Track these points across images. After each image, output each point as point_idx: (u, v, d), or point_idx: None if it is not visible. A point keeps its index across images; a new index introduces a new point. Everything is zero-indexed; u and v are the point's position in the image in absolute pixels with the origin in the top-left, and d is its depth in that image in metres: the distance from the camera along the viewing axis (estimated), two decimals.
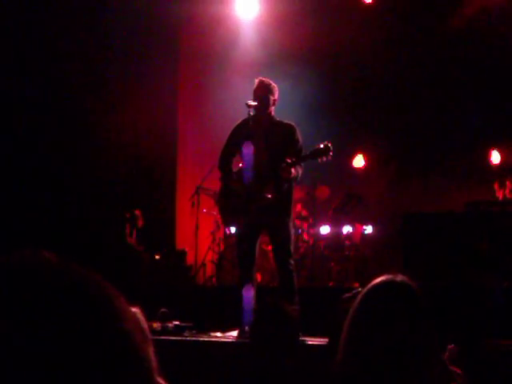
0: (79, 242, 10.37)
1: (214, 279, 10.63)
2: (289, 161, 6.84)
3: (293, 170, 6.89)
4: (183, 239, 11.85)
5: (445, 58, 12.15)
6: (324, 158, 6.93)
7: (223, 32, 11.95)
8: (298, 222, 10.43)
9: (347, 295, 3.79)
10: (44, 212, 10.77)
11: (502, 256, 7.44)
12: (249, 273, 7.16)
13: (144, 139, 11.68)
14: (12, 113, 10.73)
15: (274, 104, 7.25)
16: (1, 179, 10.56)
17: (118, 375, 0.83)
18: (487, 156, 11.94)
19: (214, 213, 10.18)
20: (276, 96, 7.25)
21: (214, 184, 8.41)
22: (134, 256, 10.61)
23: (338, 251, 10.71)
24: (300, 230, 10.62)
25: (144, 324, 0.85)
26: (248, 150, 6.98)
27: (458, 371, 2.66)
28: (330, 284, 10.24)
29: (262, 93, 7.16)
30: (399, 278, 2.46)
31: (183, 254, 11.22)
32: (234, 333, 7.05)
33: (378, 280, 2.46)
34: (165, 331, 7.31)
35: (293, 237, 7.34)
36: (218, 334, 7.26)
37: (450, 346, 2.78)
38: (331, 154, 6.92)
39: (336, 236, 10.86)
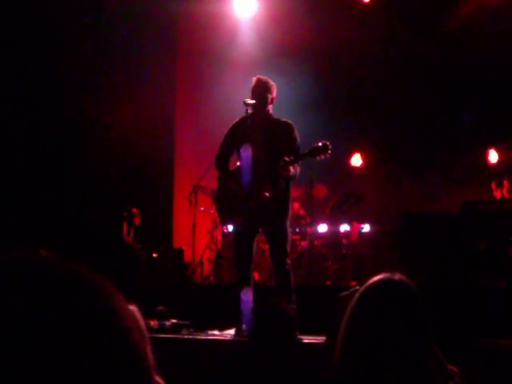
0: (76, 241, 10.37)
1: (211, 277, 10.64)
2: (287, 159, 6.83)
3: (291, 169, 6.89)
4: (180, 238, 11.85)
5: (442, 57, 12.16)
6: (322, 157, 6.93)
7: (221, 30, 11.95)
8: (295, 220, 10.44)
9: (344, 293, 3.79)
10: (41, 211, 10.77)
11: (500, 255, 7.44)
12: (246, 271, 7.15)
13: (141, 138, 11.68)
14: (11, 112, 10.72)
15: (272, 102, 7.24)
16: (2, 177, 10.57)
17: (116, 373, 0.83)
18: (485, 155, 11.95)
19: (212, 211, 10.19)
20: (274, 94, 7.24)
21: (212, 182, 8.41)
22: (131, 254, 10.61)
23: (335, 250, 10.71)
24: (297, 229, 10.62)
25: (141, 322, 0.85)
26: (246, 152, 6.97)
27: (456, 370, 2.66)
28: (328, 283, 10.24)
29: (260, 91, 7.15)
30: (397, 276, 2.46)
31: (180, 252, 11.23)
32: (232, 331, 7.05)
33: (376, 278, 2.46)
34: (162, 329, 7.31)
35: (290, 236, 7.34)
36: (216, 333, 7.26)
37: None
38: (330, 152, 6.92)
39: (333, 235, 10.86)
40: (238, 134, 7.21)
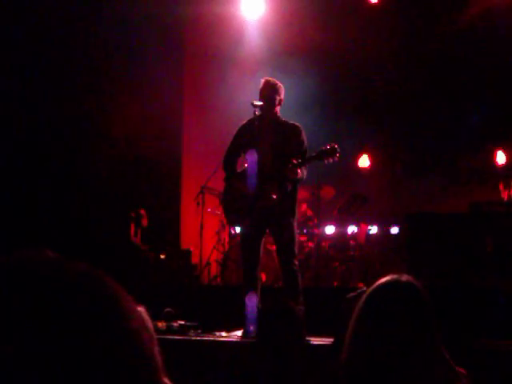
0: (84, 242, 10.38)
1: (218, 279, 10.63)
2: (295, 161, 6.83)
3: (298, 171, 6.89)
4: (188, 239, 11.86)
5: (450, 57, 12.14)
6: (330, 160, 6.92)
7: (228, 31, 11.96)
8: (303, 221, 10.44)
9: (352, 294, 3.79)
10: (49, 211, 10.78)
11: (507, 257, 7.42)
12: (253, 272, 7.16)
13: (149, 139, 11.68)
14: (17, 113, 10.73)
15: (279, 104, 7.24)
16: (5, 178, 10.57)
17: (125, 374, 0.84)
18: (492, 156, 11.92)
19: (219, 212, 10.18)
20: (282, 96, 7.24)
21: (219, 184, 8.40)
22: (138, 255, 10.62)
23: (342, 251, 10.70)
24: (305, 230, 10.62)
25: (149, 323, 0.85)
26: (251, 157, 6.97)
27: (463, 371, 2.65)
28: (335, 284, 10.23)
29: (268, 93, 7.15)
30: (404, 277, 2.46)
31: (188, 253, 11.23)
32: (239, 332, 7.05)
33: (383, 280, 2.46)
34: (170, 331, 7.32)
35: (297, 237, 7.34)
36: (223, 334, 7.26)
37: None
38: (338, 155, 6.91)
39: (341, 236, 10.85)
40: (245, 136, 7.21)
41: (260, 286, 7.24)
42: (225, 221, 9.37)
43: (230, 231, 10.79)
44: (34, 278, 0.84)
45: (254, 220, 7.04)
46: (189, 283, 10.43)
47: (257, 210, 6.99)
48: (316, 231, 10.68)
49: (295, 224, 7.17)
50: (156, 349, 0.90)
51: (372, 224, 10.98)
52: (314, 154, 7.01)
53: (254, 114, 7.10)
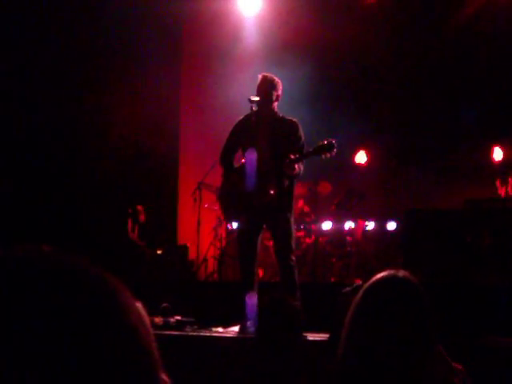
0: (81, 238, 10.39)
1: (215, 275, 10.64)
2: (292, 157, 6.83)
3: (296, 167, 6.89)
4: (185, 235, 11.86)
5: (447, 54, 12.14)
6: (328, 155, 6.91)
7: (225, 28, 11.95)
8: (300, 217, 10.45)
9: (347, 289, 3.80)
10: (46, 208, 10.78)
11: (504, 253, 7.43)
12: (250, 268, 7.16)
13: (146, 135, 11.68)
14: (16, 112, 10.72)
15: (277, 100, 7.24)
16: (4, 175, 10.57)
17: (123, 370, 0.84)
18: (489, 153, 11.93)
19: (216, 208, 10.18)
20: (279, 92, 7.24)
21: (216, 180, 8.41)
22: (135, 251, 10.63)
23: (339, 247, 10.72)
24: (302, 226, 10.62)
25: (147, 319, 0.85)
26: (251, 156, 6.97)
27: (460, 367, 2.66)
28: (332, 280, 10.25)
29: (266, 88, 7.15)
30: (401, 273, 2.46)
31: (185, 249, 11.23)
32: (236, 328, 7.05)
33: (380, 275, 2.46)
34: (166, 326, 7.33)
35: (294, 233, 7.34)
36: (220, 330, 7.26)
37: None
38: (335, 150, 6.91)
39: (338, 232, 10.86)
40: (242, 132, 7.21)
41: (257, 282, 7.24)
42: (222, 217, 9.38)
43: (227, 227, 10.80)
44: (32, 273, 0.84)
45: (252, 216, 7.04)
46: (186, 279, 10.43)
47: (254, 206, 6.99)
48: (313, 227, 10.69)
49: (292, 220, 7.18)
50: (154, 344, 0.90)
51: (369, 220, 10.99)
52: (311, 150, 7.01)
53: (251, 109, 7.10)
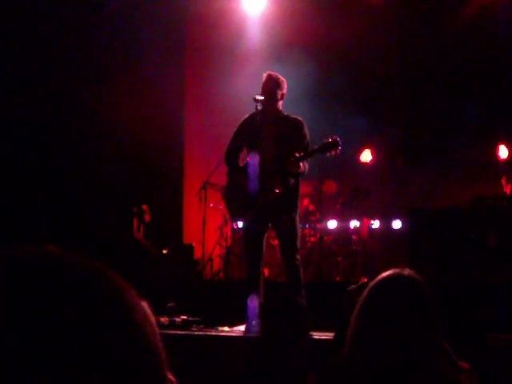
0: (86, 238, 10.39)
1: (221, 274, 10.64)
2: (297, 155, 6.83)
3: (301, 165, 6.89)
4: (190, 234, 11.86)
5: (452, 51, 12.12)
6: (333, 152, 6.92)
7: (230, 26, 11.95)
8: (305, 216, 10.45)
9: (352, 287, 3.80)
10: (52, 207, 10.79)
11: (509, 251, 7.42)
12: (256, 267, 7.16)
13: (151, 134, 11.67)
14: (20, 111, 10.73)
15: (282, 98, 7.24)
16: (7, 174, 10.58)
17: (129, 369, 0.84)
18: (495, 151, 11.90)
19: (221, 207, 10.18)
20: (284, 90, 7.24)
21: (221, 179, 8.41)
22: (141, 251, 10.63)
23: (345, 246, 10.71)
24: (307, 225, 10.62)
25: (152, 318, 0.85)
26: (254, 160, 6.97)
27: (467, 366, 2.66)
28: (337, 279, 10.24)
29: (270, 87, 7.15)
30: (406, 271, 2.46)
31: (190, 248, 11.24)
32: (242, 327, 7.06)
33: (386, 274, 2.46)
34: (172, 325, 7.34)
35: (299, 231, 7.34)
36: (226, 329, 7.27)
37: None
38: (340, 148, 6.91)
39: (343, 230, 10.86)
40: (247, 131, 7.22)
41: (263, 281, 7.25)
42: (227, 215, 9.38)
43: (232, 226, 10.79)
44: (36, 272, 0.84)
45: (257, 214, 7.05)
46: (191, 278, 10.43)
47: (259, 205, 6.99)
48: (318, 226, 10.69)
49: (298, 219, 7.18)
50: (160, 344, 0.90)
51: (374, 218, 10.98)
52: (316, 148, 7.01)
53: (256, 108, 7.11)
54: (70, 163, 11.18)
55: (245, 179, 7.09)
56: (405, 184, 12.00)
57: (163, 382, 0.89)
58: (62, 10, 10.92)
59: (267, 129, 7.16)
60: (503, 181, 10.26)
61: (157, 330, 0.91)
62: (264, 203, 6.98)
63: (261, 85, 7.23)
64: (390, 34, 12.18)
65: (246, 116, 7.35)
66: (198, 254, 11.00)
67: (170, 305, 7.62)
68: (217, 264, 10.97)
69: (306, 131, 7.17)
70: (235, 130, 7.44)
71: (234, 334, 6.98)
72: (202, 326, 7.46)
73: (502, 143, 11.86)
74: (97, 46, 11.41)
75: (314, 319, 5.77)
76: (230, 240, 10.94)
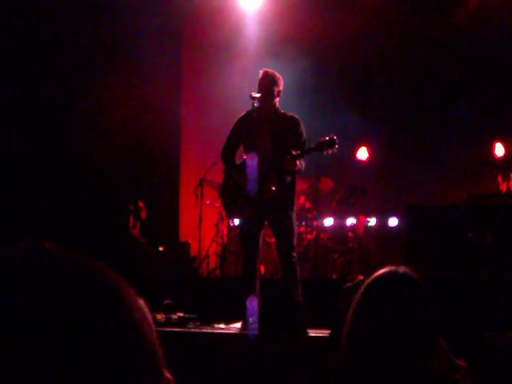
0: (82, 235, 10.38)
1: (217, 271, 10.64)
2: (294, 153, 6.84)
3: (297, 163, 6.89)
4: (187, 231, 11.87)
5: (448, 48, 12.13)
6: (329, 151, 6.92)
7: (227, 23, 11.94)
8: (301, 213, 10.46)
9: (348, 285, 3.80)
10: (47, 204, 10.77)
11: (505, 249, 7.43)
12: (252, 264, 7.17)
13: (147, 131, 11.67)
14: (14, 104, 10.72)
15: (278, 95, 7.24)
16: (3, 171, 10.57)
17: (126, 367, 0.83)
18: (491, 149, 11.91)
19: (217, 205, 10.18)
20: (281, 87, 7.24)
21: (218, 176, 8.41)
22: (137, 248, 10.62)
23: (341, 243, 10.71)
24: (303, 223, 10.62)
25: (149, 316, 0.85)
26: (252, 161, 6.97)
27: (463, 364, 2.66)
28: (334, 276, 10.24)
29: (267, 84, 7.15)
30: (402, 269, 2.46)
31: (187, 245, 11.24)
32: (238, 325, 7.06)
33: (381, 271, 2.46)
34: (168, 323, 7.34)
35: (296, 229, 7.35)
36: (222, 326, 7.27)
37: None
38: (336, 146, 6.91)
39: (339, 228, 10.86)
40: (244, 128, 7.22)
41: (259, 278, 7.25)
42: (224, 213, 9.38)
43: (228, 223, 10.79)
44: (33, 270, 0.84)
45: (253, 212, 7.05)
46: (187, 275, 10.44)
47: (255, 202, 6.99)
48: (315, 223, 10.69)
49: (294, 216, 7.18)
50: (157, 341, 0.90)
51: (371, 216, 10.97)
52: (312, 146, 7.01)
53: (253, 105, 7.11)
54: (66, 160, 11.17)
55: (241, 177, 7.09)
56: (401, 182, 12.01)
57: (160, 379, 0.89)
58: (59, 6, 10.90)
59: (264, 126, 7.16)
60: (499, 179, 10.27)
61: (154, 327, 0.91)
62: (260, 201, 6.98)
63: (257, 82, 7.24)
64: (386, 31, 12.18)
65: (243, 113, 7.36)
66: (194, 252, 11.00)
67: (166, 302, 7.62)
68: (213, 261, 10.97)
69: (303, 129, 7.17)
70: (232, 127, 7.44)
71: (230, 332, 6.99)
72: (198, 323, 7.46)
73: (497, 141, 11.86)
74: (94, 42, 11.39)
75: (310, 316, 5.78)
76: (226, 237, 10.94)
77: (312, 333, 6.31)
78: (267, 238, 9.49)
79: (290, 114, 7.28)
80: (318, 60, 11.85)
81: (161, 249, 10.94)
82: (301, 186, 9.65)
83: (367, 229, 10.97)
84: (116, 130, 11.53)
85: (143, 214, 10.97)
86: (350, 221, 10.85)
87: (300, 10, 11.68)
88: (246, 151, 7.26)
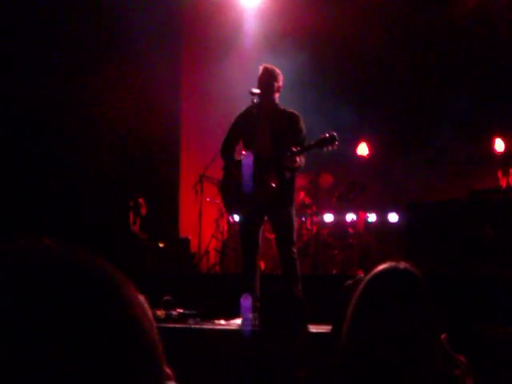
0: (83, 231, 10.38)
1: (217, 267, 10.65)
2: (294, 149, 6.83)
3: (297, 159, 6.89)
4: (187, 227, 11.86)
5: (447, 44, 12.12)
6: (329, 148, 6.92)
7: (227, 19, 11.93)
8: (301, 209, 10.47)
9: (349, 282, 3.80)
10: (46, 201, 10.77)
11: (506, 244, 7.43)
12: (252, 260, 7.17)
13: (147, 127, 11.66)
14: (13, 100, 10.71)
15: (278, 91, 7.23)
16: (2, 168, 10.57)
17: (126, 362, 0.83)
18: (491, 144, 11.91)
19: (217, 201, 10.18)
20: (281, 83, 7.24)
21: (217, 172, 8.41)
22: (137, 244, 10.62)
23: (341, 239, 10.72)
24: (303, 218, 10.62)
25: (149, 312, 0.85)
26: (248, 160, 6.97)
27: (463, 359, 2.66)
28: (334, 272, 10.25)
29: (267, 80, 7.15)
30: (402, 265, 2.46)
31: (187, 241, 11.24)
32: (238, 321, 7.06)
33: (381, 267, 2.46)
34: (169, 319, 7.34)
35: (295, 225, 7.34)
36: (222, 322, 7.27)
37: (442, 336, 2.78)
38: (337, 143, 6.91)
39: (339, 224, 10.86)
40: (243, 124, 7.21)
41: (259, 274, 7.25)
42: (223, 209, 9.38)
43: (228, 219, 10.79)
44: (33, 267, 0.84)
45: (253, 208, 7.05)
46: (188, 271, 10.44)
47: (255, 198, 6.98)
48: (315, 219, 10.69)
49: (293, 212, 7.18)
50: (157, 337, 0.90)
51: (371, 212, 10.98)
52: (313, 142, 7.01)
53: (253, 102, 7.10)
54: (65, 157, 11.16)
55: (241, 173, 7.09)
56: (401, 178, 12.00)
57: (160, 375, 0.89)
58: (56, 1, 10.90)
59: (263, 122, 7.16)
60: (499, 174, 10.27)
61: (154, 323, 0.91)
62: (260, 197, 6.97)
63: (257, 78, 7.23)
64: (386, 27, 12.16)
65: (243, 109, 7.35)
66: (194, 248, 11.00)
67: (166, 298, 7.62)
68: (213, 257, 10.97)
69: (302, 125, 7.17)
70: (231, 123, 7.44)
71: (231, 327, 6.99)
72: (198, 319, 7.46)
73: (497, 137, 11.86)
74: (93, 38, 11.38)
75: (310, 312, 5.78)
76: (226, 233, 10.94)
77: (312, 329, 6.32)
78: (267, 233, 9.49)
79: (290, 110, 7.27)
80: (318, 56, 11.84)
81: (161, 245, 10.95)
82: (301, 181, 9.65)
83: (367, 225, 10.98)
84: (115, 126, 11.53)
85: (143, 211, 10.97)
86: (350, 217, 10.86)
87: (299, 7, 11.67)
88: (246, 147, 7.25)
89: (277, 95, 7.24)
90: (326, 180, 11.24)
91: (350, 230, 10.81)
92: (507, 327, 6.19)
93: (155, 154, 11.92)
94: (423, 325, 2.35)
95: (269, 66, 7.28)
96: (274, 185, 6.93)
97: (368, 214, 10.94)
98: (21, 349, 0.79)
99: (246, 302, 6.80)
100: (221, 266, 10.46)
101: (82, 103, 11.28)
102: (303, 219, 10.57)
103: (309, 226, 10.69)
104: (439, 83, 12.26)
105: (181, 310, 7.56)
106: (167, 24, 11.95)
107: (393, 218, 10.82)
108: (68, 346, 0.80)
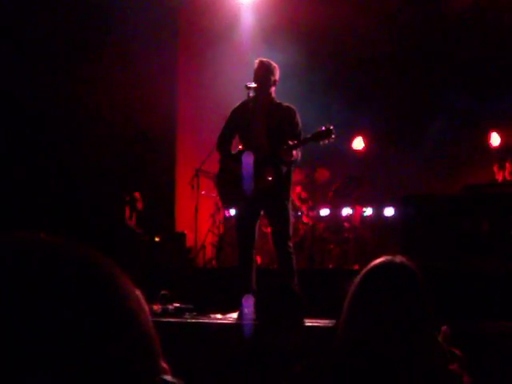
0: (79, 226, 10.37)
1: (213, 261, 10.65)
2: (290, 143, 6.83)
3: (293, 153, 6.89)
4: (183, 222, 11.86)
5: (443, 39, 12.12)
6: (326, 141, 6.92)
7: (223, 13, 11.92)
8: (298, 204, 10.47)
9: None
10: (42, 195, 10.76)
11: (502, 238, 7.44)
12: (248, 255, 7.17)
13: (143, 122, 11.64)
14: (10, 98, 10.69)
15: (274, 84, 7.23)
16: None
17: (123, 356, 0.84)
18: (487, 138, 11.92)
19: (214, 195, 10.18)
20: (277, 76, 7.23)
21: (214, 166, 8.40)
22: (133, 239, 10.62)
23: (337, 233, 10.73)
24: (300, 213, 10.63)
25: (146, 306, 0.85)
26: (248, 159, 6.96)
27: (458, 353, 2.66)
28: (330, 266, 10.26)
29: (263, 73, 7.14)
30: (398, 258, 2.46)
31: (183, 236, 11.23)
32: (234, 315, 7.07)
33: (377, 261, 2.47)
34: (165, 313, 7.34)
35: (292, 219, 7.35)
36: (218, 316, 7.28)
37: (443, 328, 2.78)
38: (333, 136, 6.91)
39: (335, 218, 10.87)
40: (239, 118, 7.21)
41: (255, 269, 7.25)
42: (220, 203, 9.38)
43: (224, 214, 10.80)
44: (30, 261, 0.84)
45: (249, 202, 7.04)
46: (184, 266, 10.44)
47: (252, 192, 6.98)
48: (311, 213, 10.70)
49: (290, 206, 7.18)
50: (154, 331, 0.90)
51: (367, 206, 10.99)
52: (309, 136, 7.00)
53: (248, 96, 7.09)
54: (61, 151, 11.15)
55: (237, 167, 7.08)
56: (397, 171, 12.01)
57: (157, 369, 0.90)
58: None
59: (259, 116, 7.15)
60: (495, 168, 10.29)
61: (150, 317, 0.91)
62: (256, 191, 6.97)
63: (253, 72, 7.22)
64: (382, 21, 12.15)
65: (239, 103, 7.35)
66: (190, 242, 11.00)
67: (162, 293, 7.62)
68: (209, 252, 10.98)
69: (299, 119, 7.16)
70: (227, 117, 7.43)
71: (227, 322, 6.99)
72: (194, 313, 7.47)
73: (493, 131, 11.88)
74: (89, 33, 11.36)
75: (306, 306, 5.79)
76: (222, 228, 10.94)
77: (308, 322, 6.32)
78: (263, 227, 9.50)
79: (286, 103, 7.26)
80: (313, 49, 11.85)
81: (157, 239, 10.94)
82: (297, 176, 9.65)
83: (363, 219, 10.99)
84: (111, 120, 11.51)
85: (139, 205, 10.96)
86: (346, 211, 10.87)
87: (295, 0, 11.66)
88: (242, 141, 7.25)
89: (273, 89, 7.24)
90: (323, 174, 11.26)
91: (346, 225, 10.82)
92: (503, 321, 6.20)
93: (151, 148, 11.90)
94: (419, 319, 2.36)
95: (265, 59, 7.27)
96: (270, 179, 6.93)
97: (364, 208, 10.95)
98: (19, 345, 0.79)
99: (243, 296, 6.80)
100: (217, 261, 10.46)
101: (76, 96, 11.26)
102: (299, 213, 10.58)
103: (305, 221, 10.70)
104: (435, 77, 12.26)
105: (177, 305, 7.56)
106: (164, 17, 11.93)
107: (389, 211, 10.83)
108: (63, 340, 0.80)
